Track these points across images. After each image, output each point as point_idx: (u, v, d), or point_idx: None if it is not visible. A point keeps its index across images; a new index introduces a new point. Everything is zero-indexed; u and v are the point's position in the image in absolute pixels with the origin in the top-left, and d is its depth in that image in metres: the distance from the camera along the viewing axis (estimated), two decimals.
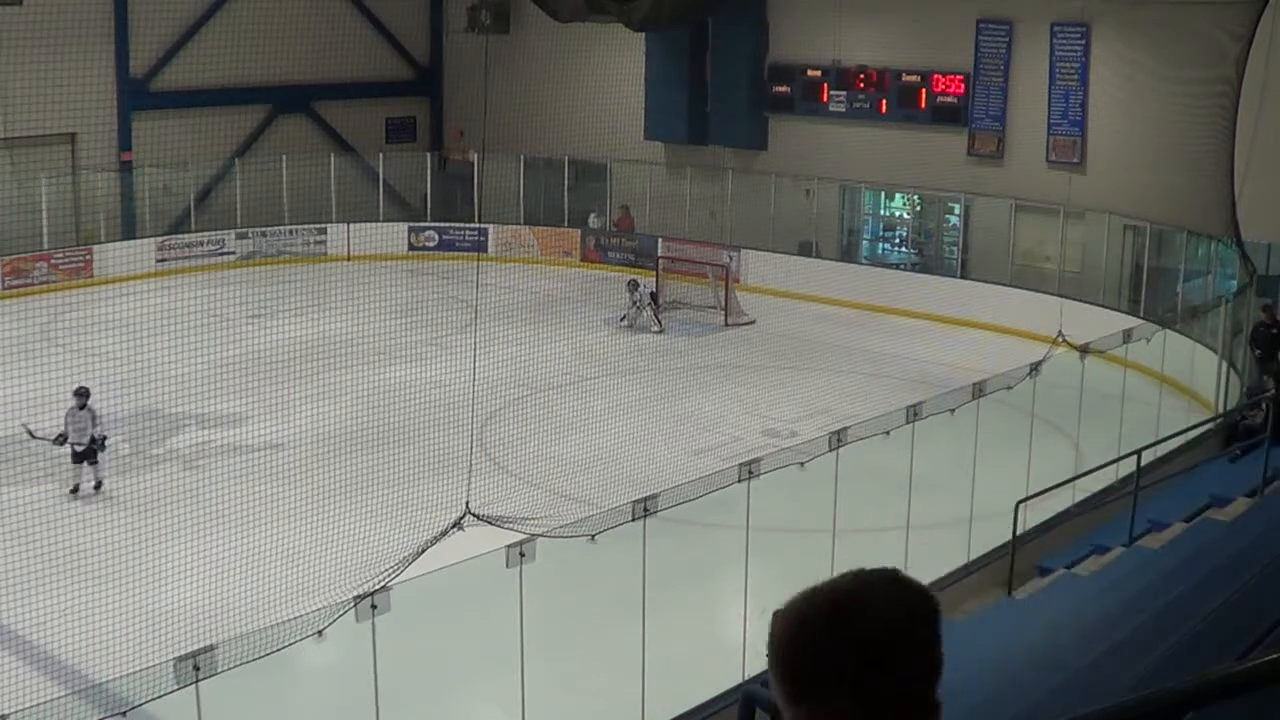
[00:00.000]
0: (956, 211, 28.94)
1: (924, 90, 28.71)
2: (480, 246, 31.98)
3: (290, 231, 32.09)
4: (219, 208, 31.92)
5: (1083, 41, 26.35)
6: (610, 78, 31.61)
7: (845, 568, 2.02)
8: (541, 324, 24.91)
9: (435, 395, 19.30)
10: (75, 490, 17.08)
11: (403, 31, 35.42)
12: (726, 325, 26.70)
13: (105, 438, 17.32)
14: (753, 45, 30.71)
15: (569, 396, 21.04)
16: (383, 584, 10.04)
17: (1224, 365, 20.52)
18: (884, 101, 29.24)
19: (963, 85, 28.25)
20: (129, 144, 30.82)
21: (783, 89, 30.66)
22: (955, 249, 28.88)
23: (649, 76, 31.82)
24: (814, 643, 1.95)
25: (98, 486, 17.25)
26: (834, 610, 1.96)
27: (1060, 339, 18.85)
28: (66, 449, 17.12)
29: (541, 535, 10.87)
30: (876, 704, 1.94)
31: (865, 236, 31.16)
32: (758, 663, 11.48)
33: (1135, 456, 14.33)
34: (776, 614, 2.00)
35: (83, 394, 17.29)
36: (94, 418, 17.19)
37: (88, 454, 17.17)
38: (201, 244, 31.06)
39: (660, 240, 30.24)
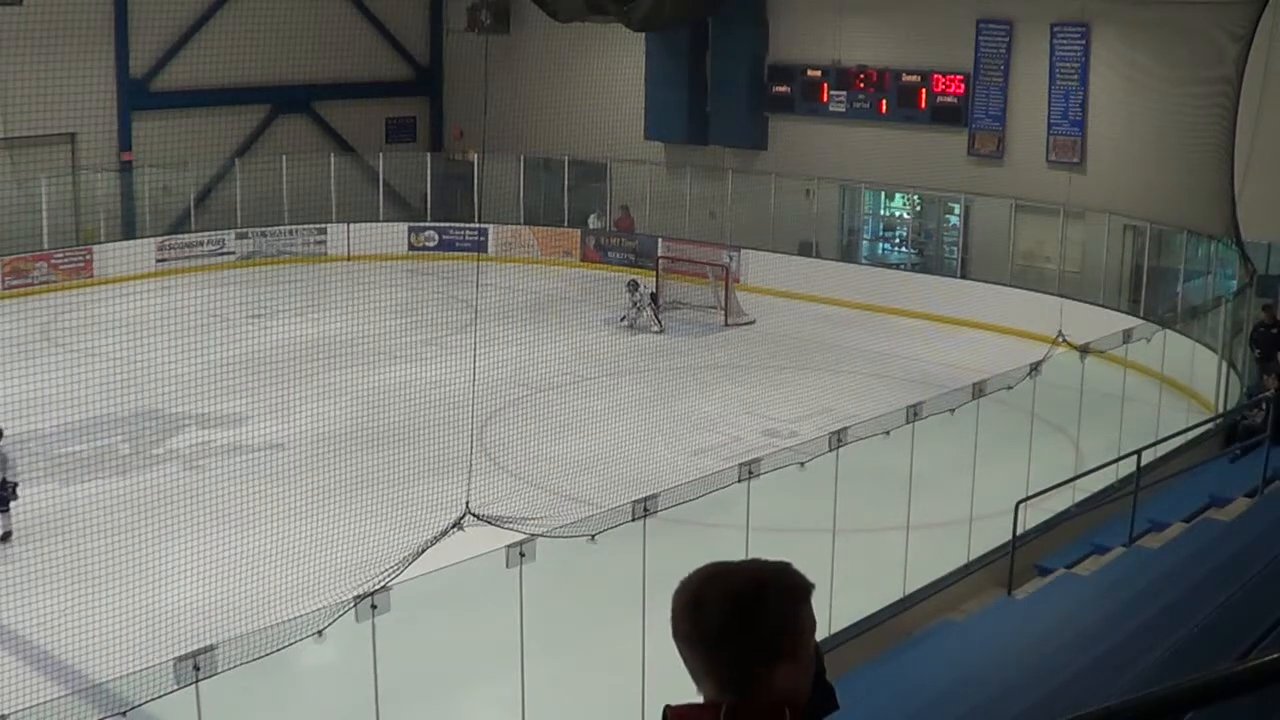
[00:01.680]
0: (956, 211, 28.94)
1: (924, 90, 28.70)
2: (480, 246, 31.96)
3: (290, 231, 32.08)
4: (219, 208, 31.91)
5: (1083, 41, 26.35)
6: (610, 78, 31.59)
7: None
8: (541, 324, 24.90)
9: (435, 395, 19.29)
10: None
11: (403, 31, 35.41)
12: (726, 325, 26.69)
13: (15, 485, 15.58)
14: (753, 45, 30.70)
15: (569, 396, 21.04)
16: (383, 584, 10.03)
17: (1224, 365, 20.53)
18: (884, 101, 29.23)
19: (963, 85, 28.24)
20: (129, 144, 30.83)
21: (783, 89, 30.65)
22: (955, 249, 28.87)
23: (649, 76, 31.81)
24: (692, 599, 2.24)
25: (4, 538, 15.43)
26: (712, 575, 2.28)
27: (1060, 339, 18.83)
28: None
29: (541, 535, 10.86)
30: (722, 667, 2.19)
31: (865, 236, 31.15)
32: None
33: (1135, 456, 14.31)
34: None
35: None
36: (4, 461, 15.56)
37: None
38: (201, 244, 31.05)
39: (660, 240, 30.23)
